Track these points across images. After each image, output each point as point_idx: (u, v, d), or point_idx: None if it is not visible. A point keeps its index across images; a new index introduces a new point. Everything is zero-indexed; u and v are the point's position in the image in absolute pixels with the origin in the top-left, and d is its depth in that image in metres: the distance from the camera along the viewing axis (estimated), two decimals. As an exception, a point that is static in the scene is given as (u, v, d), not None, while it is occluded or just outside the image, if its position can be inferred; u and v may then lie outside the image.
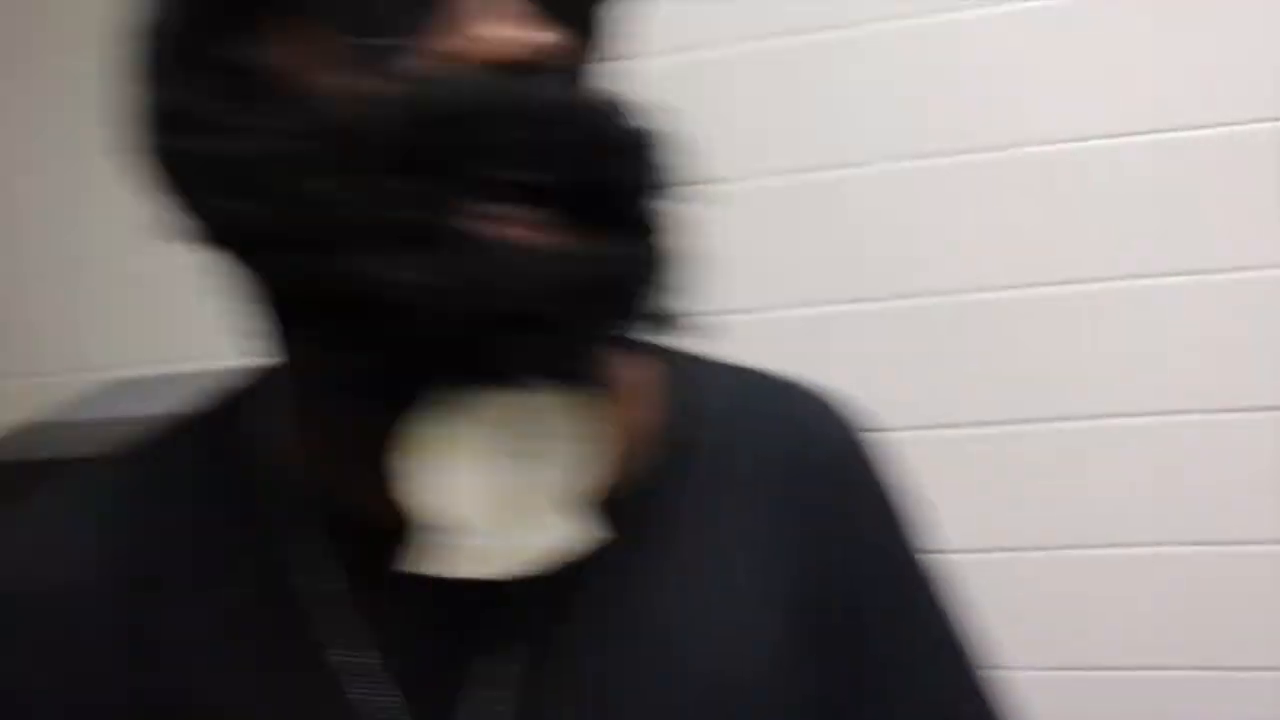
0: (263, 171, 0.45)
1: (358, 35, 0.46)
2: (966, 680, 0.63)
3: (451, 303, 0.43)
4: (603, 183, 0.46)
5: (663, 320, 0.49)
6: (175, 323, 1.60)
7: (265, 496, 0.58)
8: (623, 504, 0.56)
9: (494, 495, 0.50)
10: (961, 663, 0.63)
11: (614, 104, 0.48)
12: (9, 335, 1.83)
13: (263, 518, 0.57)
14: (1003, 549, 1.57)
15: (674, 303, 0.48)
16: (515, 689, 0.54)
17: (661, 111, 0.48)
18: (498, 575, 0.50)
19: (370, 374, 0.47)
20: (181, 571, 0.58)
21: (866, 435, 0.64)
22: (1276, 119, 1.46)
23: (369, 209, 0.44)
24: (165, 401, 0.70)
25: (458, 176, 0.44)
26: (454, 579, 0.51)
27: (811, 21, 1.55)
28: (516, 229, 0.44)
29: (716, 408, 0.59)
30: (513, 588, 0.52)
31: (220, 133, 0.47)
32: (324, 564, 0.56)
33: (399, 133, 0.44)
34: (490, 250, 0.44)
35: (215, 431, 0.61)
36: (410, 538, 0.52)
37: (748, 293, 1.58)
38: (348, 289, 0.44)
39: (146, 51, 0.51)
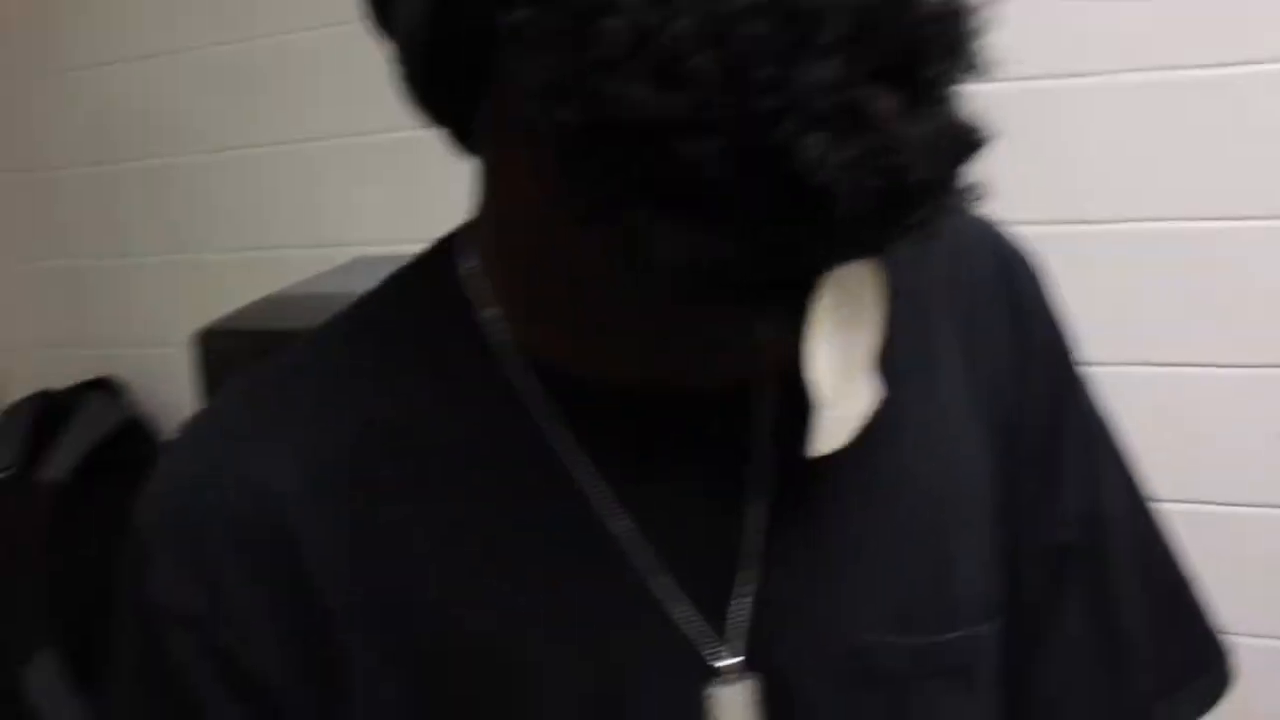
0: (700, 53, 0.46)
1: None
2: (1131, 485, 0.69)
3: (870, 181, 0.46)
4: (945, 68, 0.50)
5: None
6: (416, 201, 1.58)
7: (495, 362, 0.58)
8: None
9: (840, 366, 0.53)
10: (1125, 471, 0.69)
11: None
12: (248, 209, 1.86)
13: (497, 386, 0.57)
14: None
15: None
16: (767, 533, 0.57)
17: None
18: (837, 447, 0.53)
19: (744, 256, 0.48)
20: (416, 451, 0.57)
21: (1031, 260, 0.68)
22: None
23: (814, 92, 0.45)
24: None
25: (867, 68, 0.46)
26: (699, 443, 0.57)
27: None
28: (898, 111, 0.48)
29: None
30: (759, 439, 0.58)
31: (638, 12, 0.46)
32: (568, 429, 0.57)
33: (839, 25, 0.46)
34: (894, 132, 0.46)
35: (437, 299, 0.61)
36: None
37: (1103, 202, 1.42)
38: (778, 169, 0.46)
39: None
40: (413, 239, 0.64)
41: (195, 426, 0.59)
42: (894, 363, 0.59)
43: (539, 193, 0.54)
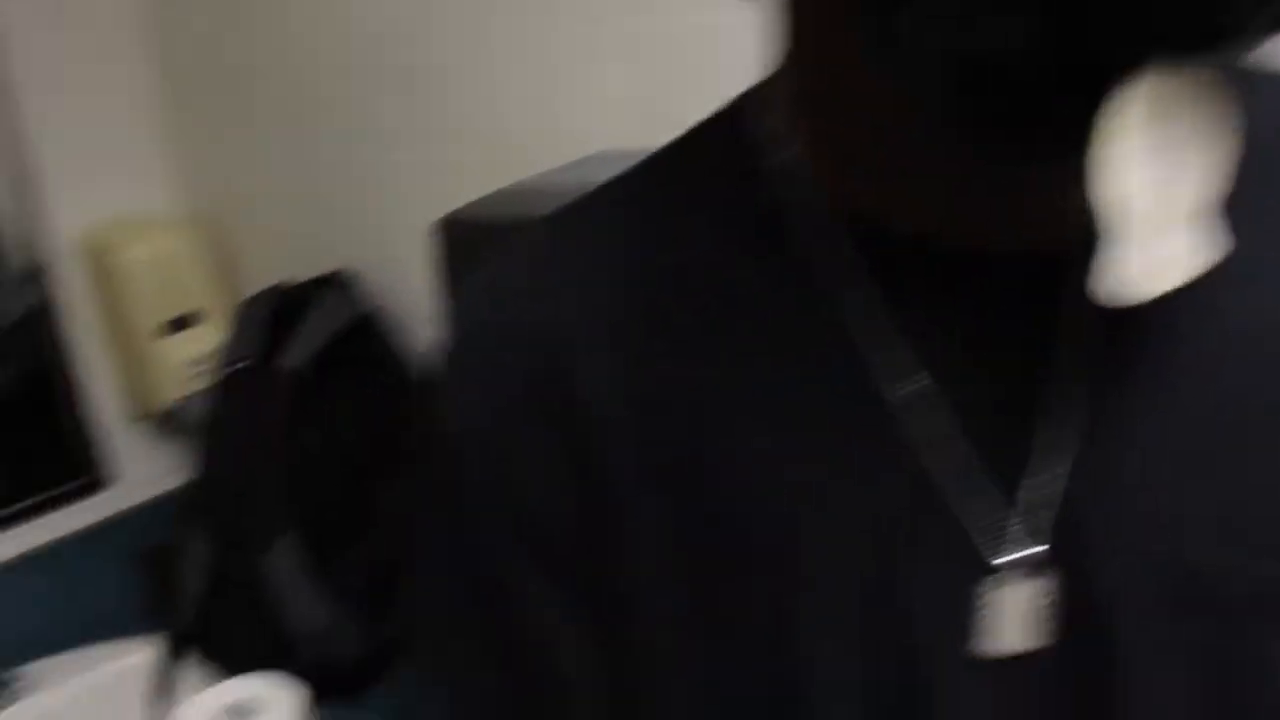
0: None
1: None
2: None
3: None
4: None
5: None
6: (660, 96, 1.51)
7: (785, 216, 0.56)
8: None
9: (1154, 197, 0.46)
10: None
11: None
12: (483, 101, 1.81)
13: (786, 240, 0.56)
14: None
15: None
16: (1081, 409, 0.52)
17: None
18: (1142, 298, 0.46)
19: (1036, 60, 0.43)
20: (696, 307, 0.57)
21: None
22: None
23: None
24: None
25: None
26: (1004, 308, 0.53)
27: None
28: None
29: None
30: (1071, 301, 0.51)
31: None
32: (862, 286, 0.54)
33: None
34: None
35: (720, 156, 0.60)
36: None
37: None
38: None
39: None
40: (655, 134, 0.63)
41: (482, 278, 0.62)
42: (1233, 220, 0.51)
43: (830, 27, 0.52)
